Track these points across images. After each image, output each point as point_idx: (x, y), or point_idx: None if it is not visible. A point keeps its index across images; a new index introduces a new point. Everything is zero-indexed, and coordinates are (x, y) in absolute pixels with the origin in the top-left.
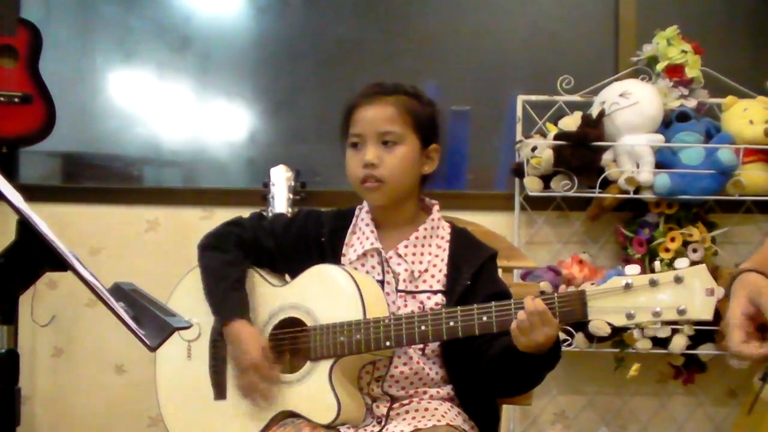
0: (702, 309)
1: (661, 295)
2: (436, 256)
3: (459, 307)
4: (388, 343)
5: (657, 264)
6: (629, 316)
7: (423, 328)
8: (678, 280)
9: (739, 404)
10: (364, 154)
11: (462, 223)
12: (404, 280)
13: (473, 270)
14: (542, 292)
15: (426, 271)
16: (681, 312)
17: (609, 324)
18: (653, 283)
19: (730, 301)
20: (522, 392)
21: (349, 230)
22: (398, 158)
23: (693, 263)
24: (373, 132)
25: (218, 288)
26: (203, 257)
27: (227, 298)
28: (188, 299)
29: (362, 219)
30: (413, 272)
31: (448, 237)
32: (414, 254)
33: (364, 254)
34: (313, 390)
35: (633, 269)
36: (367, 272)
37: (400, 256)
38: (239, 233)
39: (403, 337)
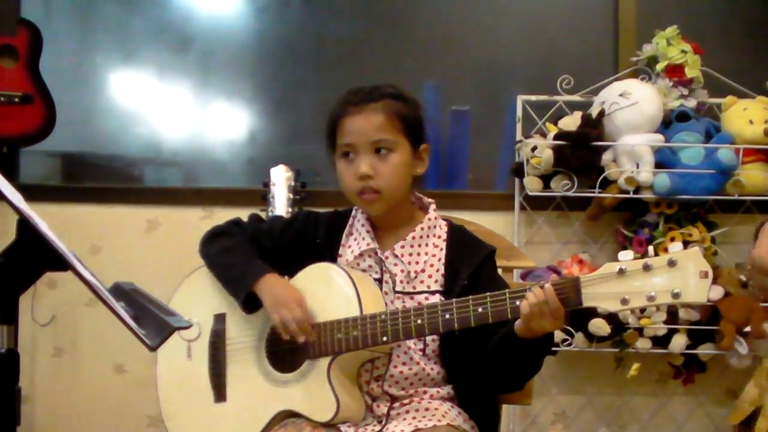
0: (696, 291)
1: (655, 278)
2: (433, 255)
3: (454, 300)
4: (384, 339)
5: (651, 249)
6: (624, 301)
7: (419, 321)
8: (672, 263)
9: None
10: (358, 165)
11: (461, 222)
12: (401, 281)
13: (471, 270)
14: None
15: (423, 271)
16: (675, 295)
17: (604, 310)
18: (647, 268)
19: (757, 242)
20: (522, 383)
21: (346, 231)
22: (393, 167)
23: None
24: (365, 142)
25: (232, 263)
26: (208, 246)
27: (248, 266)
28: (190, 300)
29: (359, 220)
30: (409, 273)
31: (444, 236)
32: (410, 254)
33: (361, 255)
34: (311, 388)
35: (626, 255)
36: (364, 271)
37: (396, 256)
38: (239, 232)
39: (400, 332)
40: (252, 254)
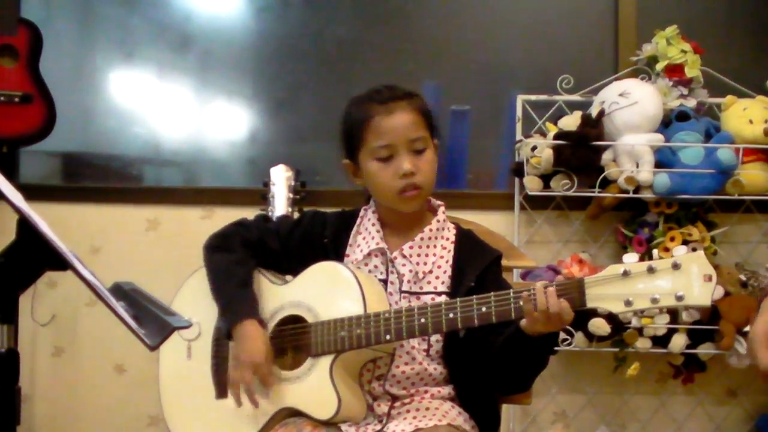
0: (700, 295)
1: (659, 281)
2: (441, 257)
3: (458, 299)
4: (388, 337)
5: (655, 252)
6: (627, 303)
7: (422, 320)
8: (676, 266)
9: (739, 404)
10: (400, 164)
11: (464, 223)
12: (408, 281)
13: (478, 272)
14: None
15: (430, 272)
16: (679, 298)
17: (607, 311)
18: (651, 270)
19: (757, 316)
20: (529, 381)
21: (354, 231)
22: (429, 162)
23: None
24: (404, 140)
25: (226, 288)
26: (210, 258)
27: (236, 298)
28: (192, 300)
29: (368, 219)
30: (417, 273)
31: (453, 238)
32: (419, 255)
33: (369, 254)
34: (313, 386)
35: (631, 257)
36: (370, 271)
37: (404, 256)
38: (245, 234)
39: (403, 330)
40: (243, 278)
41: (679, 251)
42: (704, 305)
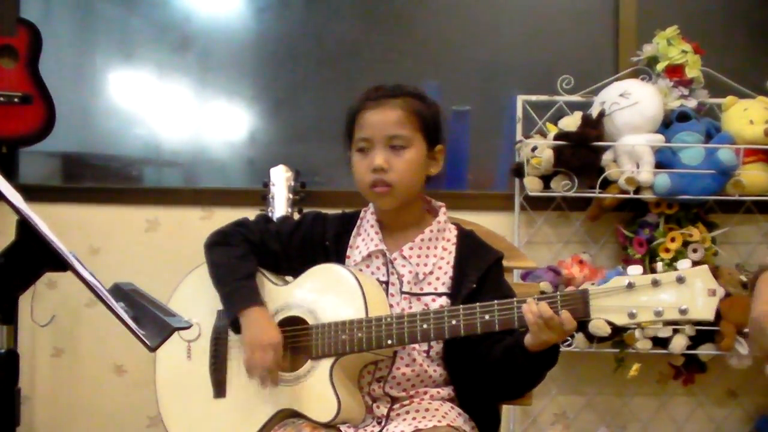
0: (704, 309)
1: (663, 294)
2: (442, 258)
3: (461, 306)
4: (389, 342)
5: (659, 265)
6: (631, 315)
7: (425, 326)
8: (680, 280)
9: (739, 405)
10: (373, 158)
11: (465, 224)
12: (408, 282)
13: (479, 274)
14: (542, 292)
15: (431, 273)
16: (683, 312)
17: (610, 323)
18: (655, 283)
19: (754, 298)
20: (524, 392)
21: (354, 232)
22: (407, 162)
23: (693, 264)
24: (381, 136)
25: (230, 279)
26: (211, 253)
27: (241, 288)
28: (189, 299)
29: (367, 221)
30: (418, 274)
31: (454, 239)
32: (419, 256)
33: (369, 256)
34: (313, 388)
35: (635, 269)
36: (372, 273)
37: (404, 258)
38: (246, 234)
39: (405, 336)
40: (247, 271)
41: (684, 265)
42: (707, 319)
